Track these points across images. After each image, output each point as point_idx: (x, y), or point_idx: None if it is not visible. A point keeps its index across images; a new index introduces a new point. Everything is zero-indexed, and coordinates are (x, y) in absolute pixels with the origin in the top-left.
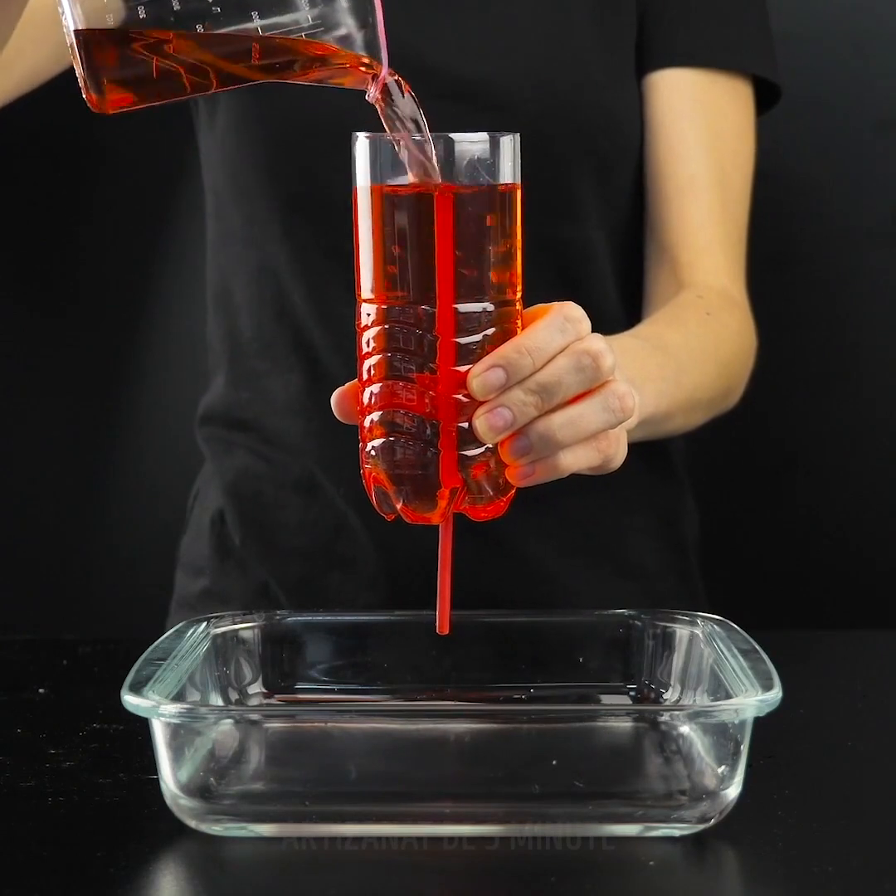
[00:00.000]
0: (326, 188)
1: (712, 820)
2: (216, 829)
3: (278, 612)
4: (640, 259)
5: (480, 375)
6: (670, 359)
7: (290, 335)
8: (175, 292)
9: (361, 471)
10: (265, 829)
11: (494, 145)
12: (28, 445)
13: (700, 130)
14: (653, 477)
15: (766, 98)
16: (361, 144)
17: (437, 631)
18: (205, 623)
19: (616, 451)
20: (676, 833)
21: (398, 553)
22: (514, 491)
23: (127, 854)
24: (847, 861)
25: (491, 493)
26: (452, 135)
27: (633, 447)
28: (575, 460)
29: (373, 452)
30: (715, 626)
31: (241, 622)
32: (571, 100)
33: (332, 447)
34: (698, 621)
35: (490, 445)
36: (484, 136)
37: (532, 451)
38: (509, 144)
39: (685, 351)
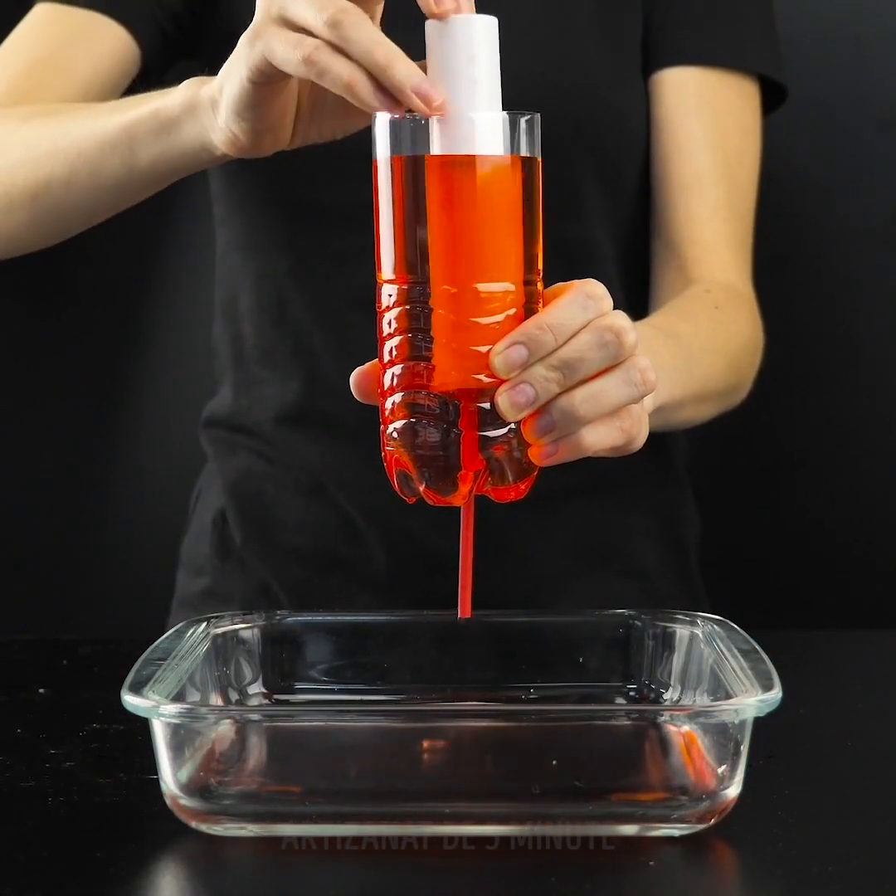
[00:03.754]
0: (328, 194)
1: (712, 820)
2: (216, 829)
3: (278, 612)
4: (645, 258)
5: (502, 352)
6: (682, 348)
7: (290, 342)
8: (179, 295)
9: (382, 453)
10: (265, 829)
11: (513, 125)
12: (29, 447)
13: (706, 128)
14: (655, 478)
15: (772, 98)
16: (381, 121)
17: (459, 615)
18: (205, 623)
19: (639, 431)
20: (676, 833)
21: (399, 554)
22: (536, 473)
23: (127, 854)
24: (847, 861)
25: (513, 475)
26: (471, 114)
27: None
28: (598, 439)
29: (395, 435)
30: (715, 626)
31: (241, 622)
32: (575, 99)
33: (333, 454)
34: (698, 621)
35: (512, 425)
36: (503, 115)
37: (555, 428)
38: (527, 124)
39: (696, 342)
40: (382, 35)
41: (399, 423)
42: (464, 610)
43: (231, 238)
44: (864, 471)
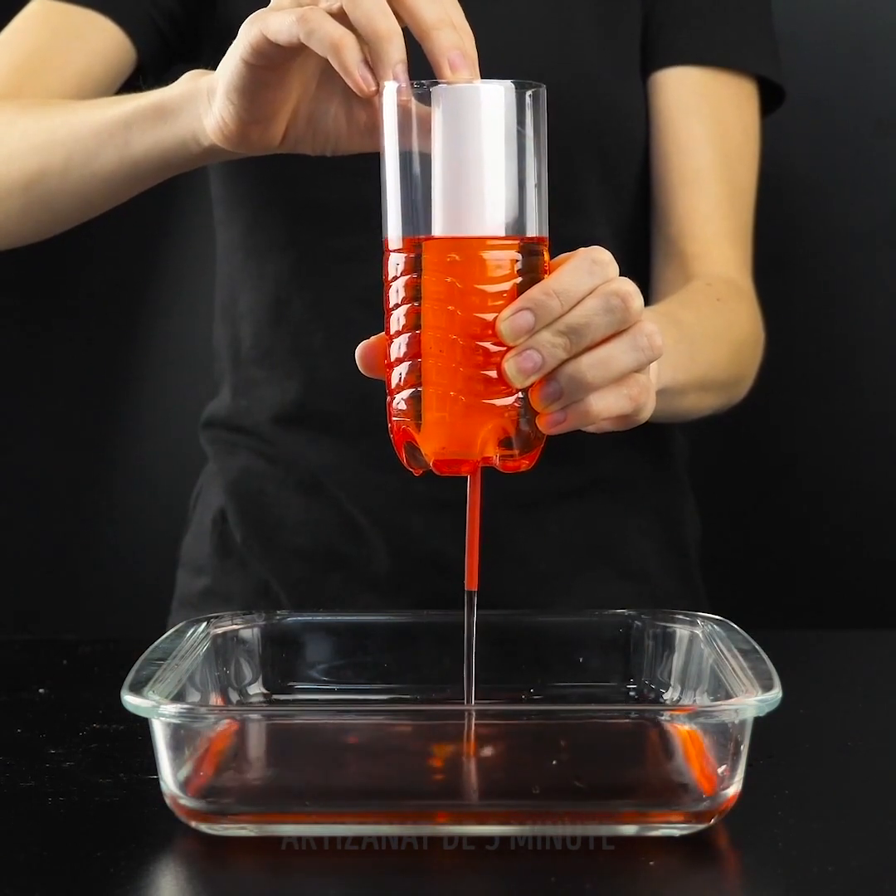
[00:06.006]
0: (328, 193)
1: (712, 820)
2: (216, 829)
3: (278, 612)
4: (646, 257)
5: (508, 319)
6: (684, 334)
7: (288, 342)
8: (179, 297)
9: (388, 425)
10: (265, 830)
11: (520, 97)
12: (29, 446)
13: (706, 125)
14: (655, 479)
15: (769, 100)
16: (389, 91)
17: (466, 587)
18: (205, 623)
19: (646, 400)
20: (676, 833)
21: (400, 554)
22: (542, 444)
23: (127, 854)
24: (847, 861)
25: (521, 445)
26: (476, 83)
27: (635, 449)
28: (605, 406)
29: (402, 404)
30: (715, 626)
31: (241, 622)
32: (575, 98)
33: (332, 453)
34: (698, 621)
35: (520, 395)
36: (509, 83)
37: (563, 395)
38: (532, 96)
39: (699, 329)
40: (393, 15)
41: (406, 393)
42: (470, 581)
43: (231, 239)
44: (863, 471)
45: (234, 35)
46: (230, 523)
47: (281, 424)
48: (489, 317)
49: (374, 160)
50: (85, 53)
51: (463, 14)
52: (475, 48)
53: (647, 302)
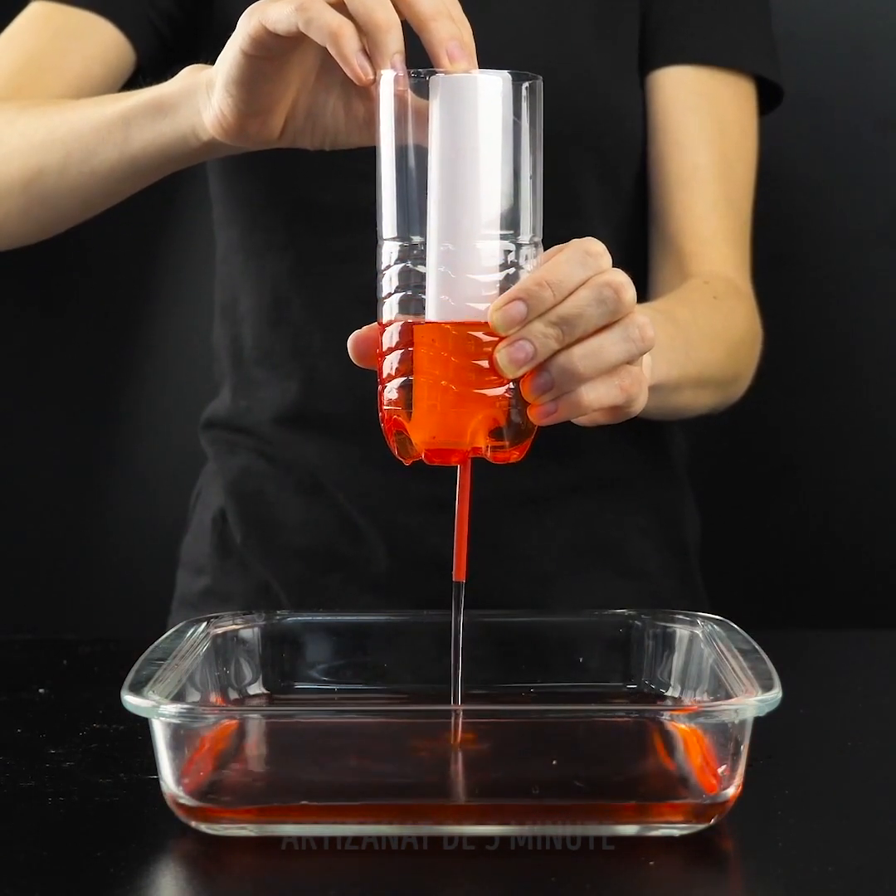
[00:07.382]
0: (328, 193)
1: (712, 819)
2: (216, 829)
3: (278, 612)
4: (644, 257)
5: (501, 309)
6: (680, 332)
7: (288, 343)
8: (179, 297)
9: (380, 415)
10: (265, 830)
11: (517, 88)
12: (29, 447)
13: (703, 123)
14: (654, 478)
15: (768, 99)
16: (387, 80)
17: (454, 578)
18: (205, 623)
19: (638, 391)
20: (676, 833)
21: (399, 554)
22: (533, 436)
23: (127, 854)
24: (847, 861)
25: (512, 436)
26: (475, 72)
27: (634, 447)
28: (597, 397)
29: (394, 394)
30: (715, 626)
31: (241, 622)
32: (572, 97)
33: (332, 454)
34: (698, 621)
35: (511, 385)
36: (506, 74)
37: (554, 386)
38: (528, 88)
39: (695, 328)
40: (391, 6)
41: (397, 382)
42: (458, 572)
43: (230, 239)
44: (863, 471)
45: (232, 34)
46: (230, 523)
47: (281, 425)
48: (481, 307)
49: (372, 160)
50: (84, 55)
51: (460, 8)
52: (473, 39)
53: (645, 300)
